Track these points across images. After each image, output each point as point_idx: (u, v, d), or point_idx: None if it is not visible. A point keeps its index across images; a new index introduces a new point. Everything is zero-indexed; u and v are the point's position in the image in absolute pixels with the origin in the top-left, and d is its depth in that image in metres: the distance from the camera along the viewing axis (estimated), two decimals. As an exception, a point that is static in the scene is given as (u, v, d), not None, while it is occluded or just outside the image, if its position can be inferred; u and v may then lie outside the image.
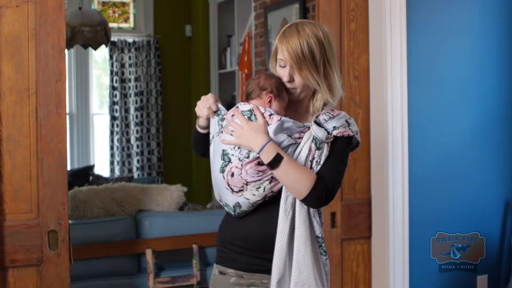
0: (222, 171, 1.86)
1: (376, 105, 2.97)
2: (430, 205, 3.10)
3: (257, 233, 1.87)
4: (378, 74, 2.96)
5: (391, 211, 2.98)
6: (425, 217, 3.07)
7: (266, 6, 5.24)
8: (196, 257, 3.48)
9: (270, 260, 1.85)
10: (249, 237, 1.88)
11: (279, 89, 1.89)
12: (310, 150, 1.82)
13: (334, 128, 1.85)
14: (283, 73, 1.88)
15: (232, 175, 1.83)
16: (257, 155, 1.81)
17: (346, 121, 1.88)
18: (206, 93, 7.15)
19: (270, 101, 1.88)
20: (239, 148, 1.84)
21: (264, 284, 1.89)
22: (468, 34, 3.17)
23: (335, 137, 1.85)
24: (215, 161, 1.90)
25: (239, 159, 1.83)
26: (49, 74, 2.42)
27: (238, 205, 1.86)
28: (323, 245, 1.87)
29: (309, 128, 1.85)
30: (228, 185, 1.85)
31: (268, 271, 1.87)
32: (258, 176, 1.82)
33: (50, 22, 2.41)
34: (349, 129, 1.87)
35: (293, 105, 1.96)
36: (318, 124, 1.85)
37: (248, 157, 1.82)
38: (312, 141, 1.83)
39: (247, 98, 1.93)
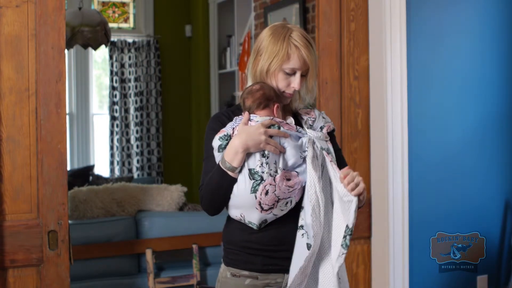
0: (255, 190, 1.79)
1: (376, 105, 2.97)
2: (430, 205, 3.10)
3: (274, 232, 1.86)
4: (378, 74, 2.96)
5: (391, 211, 2.98)
6: (425, 217, 3.07)
7: (266, 6, 5.24)
8: (196, 257, 3.48)
9: (285, 259, 1.86)
10: (266, 237, 1.86)
11: (278, 95, 1.90)
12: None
13: (321, 128, 1.93)
14: (289, 81, 1.87)
15: (267, 193, 1.79)
16: (284, 169, 1.81)
17: (323, 117, 1.97)
18: (206, 93, 7.10)
19: (277, 109, 1.88)
20: (267, 163, 1.79)
21: (278, 284, 1.89)
22: (468, 34, 3.17)
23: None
24: (241, 183, 1.81)
25: (271, 175, 1.79)
26: (49, 74, 2.41)
27: (264, 221, 1.84)
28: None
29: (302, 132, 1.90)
30: (260, 204, 1.80)
31: (282, 270, 1.88)
32: (289, 192, 1.81)
33: (50, 22, 2.41)
34: (329, 123, 1.97)
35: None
36: (310, 128, 1.92)
37: (276, 171, 1.80)
38: (313, 145, 1.87)
39: (249, 109, 1.88)
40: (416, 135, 3.02)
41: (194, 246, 3.50)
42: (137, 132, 6.82)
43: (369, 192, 2.99)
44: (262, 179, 1.79)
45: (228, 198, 1.85)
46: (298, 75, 1.86)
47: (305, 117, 1.95)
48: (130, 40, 6.81)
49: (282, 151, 1.82)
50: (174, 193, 3.70)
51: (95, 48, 4.90)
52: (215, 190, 1.84)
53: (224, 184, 1.82)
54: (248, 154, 1.81)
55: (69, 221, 2.80)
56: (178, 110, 7.02)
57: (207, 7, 6.69)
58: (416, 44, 3.02)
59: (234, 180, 1.82)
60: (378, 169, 2.98)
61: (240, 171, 1.81)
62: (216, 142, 1.87)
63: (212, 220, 3.52)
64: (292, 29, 1.88)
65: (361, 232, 2.97)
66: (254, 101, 1.86)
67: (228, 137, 1.85)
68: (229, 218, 1.95)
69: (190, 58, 7.03)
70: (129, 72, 6.80)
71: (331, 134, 1.98)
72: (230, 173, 1.81)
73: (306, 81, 1.91)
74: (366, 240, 2.99)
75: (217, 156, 1.86)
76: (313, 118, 1.94)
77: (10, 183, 2.38)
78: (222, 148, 1.84)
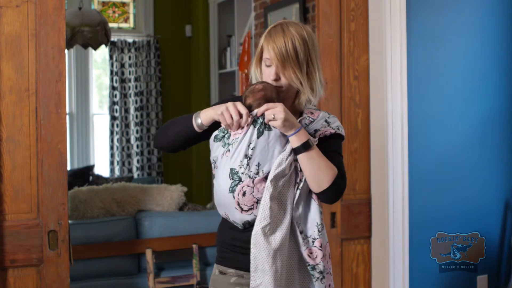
0: (232, 191, 1.82)
1: (376, 105, 2.97)
2: (430, 205, 3.10)
3: None
4: (378, 74, 2.96)
5: (391, 211, 2.98)
6: (425, 217, 3.07)
7: (266, 6, 5.24)
8: (196, 257, 3.48)
9: None
10: (251, 237, 1.86)
11: (279, 97, 1.89)
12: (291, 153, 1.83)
13: (316, 131, 1.89)
14: (269, 72, 1.88)
15: (244, 194, 1.80)
16: (270, 171, 1.80)
17: (325, 120, 1.92)
18: (206, 93, 7.12)
19: None
20: (248, 165, 1.80)
21: None
22: (468, 34, 3.18)
23: (320, 138, 1.88)
24: (222, 182, 1.85)
25: (249, 176, 1.80)
26: (49, 74, 2.42)
27: (247, 222, 1.85)
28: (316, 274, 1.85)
29: None
30: (238, 204, 1.82)
31: None
32: None
33: (50, 22, 2.41)
34: (330, 127, 1.90)
35: None
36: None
37: (257, 173, 1.81)
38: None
39: (249, 108, 1.87)
40: (416, 135, 3.02)
41: (194, 246, 3.50)
42: (137, 132, 6.82)
43: (369, 192, 3.00)
44: (240, 180, 1.81)
45: (178, 142, 1.90)
46: (272, 67, 1.86)
47: (305, 114, 1.92)
48: (130, 40, 6.81)
49: (231, 129, 1.81)
50: (174, 193, 3.70)
51: (95, 48, 4.90)
52: (172, 124, 1.91)
53: (182, 125, 1.89)
54: (232, 153, 1.82)
55: (69, 221, 2.80)
56: (178, 110, 7.01)
57: (207, 7, 6.69)
58: (416, 44, 3.02)
59: (192, 130, 1.87)
60: (378, 169, 2.98)
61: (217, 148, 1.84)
62: (214, 132, 1.89)
63: (212, 220, 3.54)
64: (282, 24, 1.88)
65: (361, 232, 2.97)
66: (254, 101, 1.87)
67: (226, 130, 1.87)
68: (222, 218, 1.97)
69: (190, 58, 7.03)
70: (129, 72, 6.80)
71: (331, 137, 1.91)
72: (194, 123, 1.86)
73: (286, 76, 1.87)
74: (366, 240, 3.00)
75: (212, 146, 1.89)
76: (313, 119, 1.91)
77: (10, 183, 2.38)
78: (217, 139, 1.87)
